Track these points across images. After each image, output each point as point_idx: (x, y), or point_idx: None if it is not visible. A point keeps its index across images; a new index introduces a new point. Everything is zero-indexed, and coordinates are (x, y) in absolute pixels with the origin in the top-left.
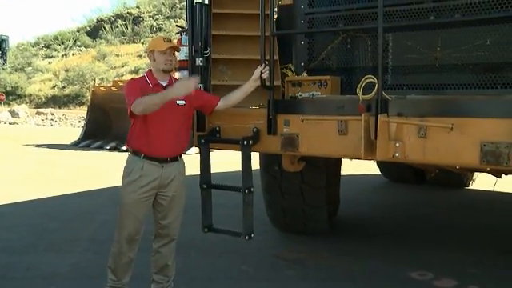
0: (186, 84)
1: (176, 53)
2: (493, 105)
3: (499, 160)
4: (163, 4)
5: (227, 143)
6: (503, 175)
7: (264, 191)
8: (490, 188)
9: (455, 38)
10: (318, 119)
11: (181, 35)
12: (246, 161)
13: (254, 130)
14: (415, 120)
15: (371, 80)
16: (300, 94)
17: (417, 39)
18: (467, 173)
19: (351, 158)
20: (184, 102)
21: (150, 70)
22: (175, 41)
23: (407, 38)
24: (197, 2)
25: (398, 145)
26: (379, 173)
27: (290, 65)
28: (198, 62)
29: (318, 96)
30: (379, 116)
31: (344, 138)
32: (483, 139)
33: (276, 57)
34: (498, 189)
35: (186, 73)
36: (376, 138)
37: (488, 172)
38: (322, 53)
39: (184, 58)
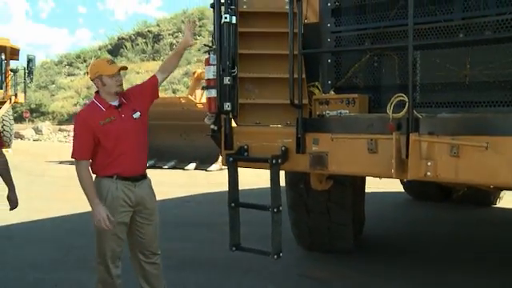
0: (100, 219)
1: (204, 71)
2: None
3: None
4: (183, 22)
5: (256, 162)
6: None
7: (289, 209)
8: None
9: (485, 55)
10: (349, 138)
11: (208, 54)
12: (274, 179)
13: (283, 148)
14: (447, 139)
15: (402, 98)
16: (327, 112)
17: (445, 56)
18: (495, 191)
19: (381, 177)
20: (139, 114)
21: (97, 92)
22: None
23: (436, 56)
24: (224, 22)
25: (429, 164)
26: (402, 190)
27: (316, 83)
28: (226, 80)
29: (346, 114)
30: (410, 135)
31: (374, 157)
32: None
33: (303, 75)
34: None
35: (213, 92)
36: (407, 156)
37: (507, 188)
38: (349, 71)
39: (212, 77)
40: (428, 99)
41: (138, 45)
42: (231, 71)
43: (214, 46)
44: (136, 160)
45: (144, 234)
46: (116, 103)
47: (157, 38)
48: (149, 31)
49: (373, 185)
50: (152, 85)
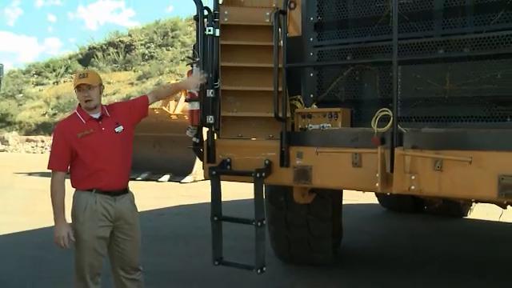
0: (59, 236)
1: None
2: (508, 138)
3: None
4: (155, 32)
5: (239, 175)
6: (509, 206)
7: (269, 223)
8: (489, 218)
9: (464, 71)
10: (334, 151)
11: (192, 67)
12: (258, 193)
13: (266, 162)
14: (431, 153)
15: (386, 113)
16: (310, 125)
17: (426, 72)
18: (467, 203)
19: (365, 191)
20: (122, 128)
21: (80, 104)
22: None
23: (417, 71)
24: (208, 34)
25: (413, 178)
26: (376, 201)
27: (298, 96)
28: (209, 93)
29: (329, 128)
30: (395, 149)
31: (358, 171)
32: (501, 172)
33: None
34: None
35: (196, 104)
36: (392, 170)
37: (494, 203)
38: (331, 85)
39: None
40: (408, 114)
41: (109, 55)
42: (214, 84)
43: (197, 59)
44: (117, 174)
45: (124, 249)
46: (97, 116)
47: (129, 48)
48: (120, 41)
49: (347, 196)
50: (142, 103)
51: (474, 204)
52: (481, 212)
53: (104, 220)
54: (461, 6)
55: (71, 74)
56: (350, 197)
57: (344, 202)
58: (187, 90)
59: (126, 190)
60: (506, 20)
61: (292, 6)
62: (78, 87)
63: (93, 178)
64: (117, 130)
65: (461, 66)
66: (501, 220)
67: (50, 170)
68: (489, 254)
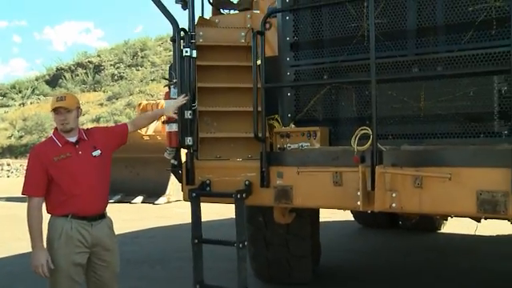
0: (37, 265)
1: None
2: (486, 154)
3: (496, 208)
4: (124, 53)
5: (219, 197)
6: (482, 219)
7: (248, 243)
8: (464, 231)
9: (438, 89)
10: (314, 171)
11: (169, 88)
12: (239, 214)
13: (247, 182)
14: (411, 170)
15: (365, 131)
16: (289, 145)
17: (402, 90)
18: (441, 217)
19: (347, 209)
20: (100, 152)
21: (56, 127)
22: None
23: (392, 89)
24: (185, 56)
25: (394, 195)
26: (351, 218)
27: (276, 116)
28: (187, 114)
29: (308, 147)
30: (376, 167)
31: (339, 189)
32: (479, 188)
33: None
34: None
35: (174, 126)
36: (373, 188)
37: (470, 217)
38: (309, 104)
39: None
40: (385, 131)
41: (77, 75)
42: (191, 105)
43: (174, 80)
44: (93, 199)
45: (102, 276)
46: (74, 139)
47: (98, 68)
48: (89, 62)
49: (323, 214)
50: (122, 130)
51: (448, 218)
52: (454, 226)
53: (80, 246)
54: (433, 26)
55: (38, 95)
56: (325, 214)
57: (320, 220)
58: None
59: (103, 215)
60: (476, 40)
61: (267, 26)
62: (55, 110)
63: (69, 203)
64: (94, 153)
65: (435, 84)
66: (476, 233)
67: (26, 196)
68: (466, 266)
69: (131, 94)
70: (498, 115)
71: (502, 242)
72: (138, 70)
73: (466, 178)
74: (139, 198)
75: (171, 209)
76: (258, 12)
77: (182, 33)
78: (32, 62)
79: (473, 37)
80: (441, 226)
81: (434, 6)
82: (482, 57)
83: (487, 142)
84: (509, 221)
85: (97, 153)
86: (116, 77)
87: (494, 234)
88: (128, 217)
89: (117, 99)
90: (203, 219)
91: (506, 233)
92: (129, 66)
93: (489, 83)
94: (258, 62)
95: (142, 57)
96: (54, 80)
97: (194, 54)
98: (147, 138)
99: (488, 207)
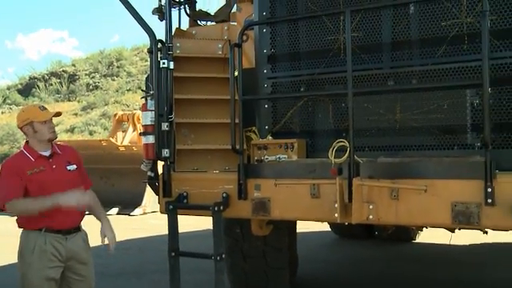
0: (79, 197)
1: (140, 118)
2: (460, 167)
3: (470, 220)
4: (100, 62)
5: (197, 209)
6: (457, 229)
7: (225, 255)
8: (439, 241)
9: (413, 102)
10: (292, 183)
11: (145, 100)
12: (217, 227)
13: (224, 195)
14: (387, 182)
15: (342, 144)
16: (266, 157)
17: (378, 102)
18: (418, 228)
19: (324, 221)
20: (75, 167)
21: (27, 141)
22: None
23: (369, 102)
24: (162, 67)
25: (371, 207)
26: (328, 229)
27: (253, 128)
28: (164, 126)
29: (286, 159)
30: (353, 179)
31: (317, 202)
32: (454, 200)
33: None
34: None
35: (151, 138)
36: (350, 200)
37: (443, 227)
38: (286, 116)
39: (150, 123)
40: (362, 143)
41: (51, 85)
42: (168, 117)
43: (151, 92)
44: (69, 212)
45: None
46: (47, 153)
47: (72, 78)
48: (63, 71)
49: (300, 225)
50: (86, 176)
51: (423, 228)
52: (429, 235)
53: (54, 260)
54: (407, 40)
55: (10, 104)
56: (302, 225)
57: (297, 231)
58: (142, 123)
59: (78, 228)
60: (449, 54)
61: (245, 38)
62: (45, 120)
63: (43, 217)
64: (69, 168)
65: (410, 97)
66: (450, 243)
67: (5, 208)
68: (441, 276)
69: (106, 104)
70: (470, 128)
71: (476, 251)
72: (114, 80)
73: (440, 189)
74: (114, 210)
75: (147, 220)
76: (235, 24)
77: (159, 44)
78: (4, 70)
79: (446, 51)
80: (416, 235)
81: (409, 21)
82: (454, 71)
83: (461, 154)
84: (481, 231)
85: (72, 167)
86: (91, 86)
87: (468, 244)
88: None
89: (92, 109)
90: (180, 230)
91: (479, 242)
92: (104, 75)
93: (462, 96)
94: (236, 74)
95: (117, 66)
96: (26, 89)
97: (172, 65)
98: (123, 148)
99: (462, 218)
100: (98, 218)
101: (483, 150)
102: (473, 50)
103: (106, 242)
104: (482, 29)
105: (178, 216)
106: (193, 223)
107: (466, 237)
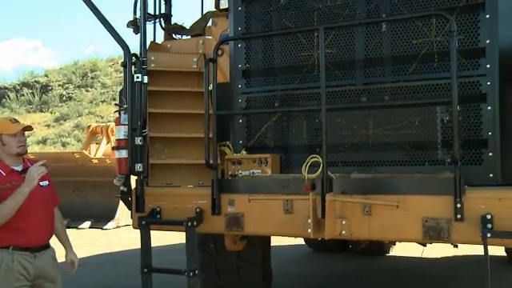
0: (35, 172)
1: (114, 132)
2: (430, 183)
3: (440, 235)
4: (74, 73)
5: (170, 224)
6: (428, 244)
7: (198, 270)
8: (411, 254)
9: (386, 117)
10: (265, 199)
11: (119, 114)
12: (190, 243)
13: (197, 210)
14: (360, 198)
15: (316, 159)
16: (240, 172)
17: (351, 118)
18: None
19: (298, 237)
20: (47, 183)
21: None
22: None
23: (342, 117)
24: (136, 81)
25: (344, 222)
26: (302, 242)
27: (227, 142)
28: (137, 141)
29: (260, 174)
30: (326, 195)
31: (290, 217)
32: (424, 215)
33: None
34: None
35: (124, 152)
36: (323, 216)
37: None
38: (260, 131)
39: (123, 137)
40: (335, 158)
41: (23, 95)
42: (142, 131)
43: (125, 106)
44: (39, 229)
45: None
46: (19, 168)
47: (45, 88)
48: (36, 81)
49: (274, 238)
50: (54, 193)
51: (396, 242)
52: (402, 249)
53: (21, 279)
54: (380, 57)
55: None
56: (276, 238)
57: (271, 244)
58: (115, 137)
59: (47, 246)
60: (420, 72)
61: (220, 53)
62: (15, 133)
63: (11, 235)
64: (42, 183)
65: (382, 113)
66: (422, 256)
67: None
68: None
69: (80, 116)
70: (441, 144)
71: (447, 264)
72: (88, 91)
73: (412, 205)
74: (87, 223)
75: (120, 234)
76: (211, 38)
77: (134, 58)
78: None
79: (417, 69)
80: (389, 249)
81: (381, 38)
82: (425, 88)
83: (432, 170)
84: (452, 244)
85: (45, 183)
86: (64, 97)
87: (440, 257)
88: (74, 243)
89: (65, 120)
90: (155, 243)
91: (451, 255)
92: (78, 86)
93: (432, 113)
94: (210, 88)
95: (92, 78)
96: None
97: (146, 79)
98: (96, 161)
99: (433, 234)
100: (62, 242)
101: (453, 165)
102: (442, 68)
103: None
104: (451, 48)
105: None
106: (169, 236)
107: (438, 250)
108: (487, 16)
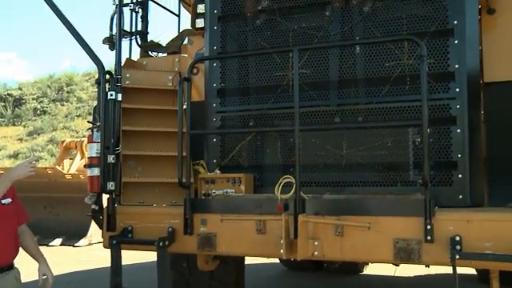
0: (25, 165)
1: (87, 150)
2: (402, 204)
3: (411, 256)
4: (49, 87)
5: (141, 244)
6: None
7: None
8: (385, 273)
9: (359, 138)
10: (238, 219)
11: (92, 131)
12: (161, 263)
13: (170, 229)
14: (332, 219)
15: (289, 180)
16: (214, 191)
17: (325, 138)
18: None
19: (270, 257)
20: (10, 200)
21: None
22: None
23: (316, 137)
24: (110, 99)
25: (316, 243)
26: (277, 260)
27: (201, 161)
28: (110, 159)
29: (233, 194)
30: (299, 216)
31: (263, 237)
32: (396, 236)
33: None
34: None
35: (96, 170)
36: (296, 237)
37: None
38: (234, 150)
39: (95, 155)
40: (309, 178)
41: None
42: (115, 149)
43: (98, 123)
44: (3, 250)
45: None
46: None
47: (18, 102)
48: (9, 94)
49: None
50: (22, 210)
51: None
52: (376, 267)
53: None
54: (354, 79)
55: None
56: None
57: (246, 262)
58: (87, 155)
59: (10, 266)
60: (392, 93)
61: (195, 71)
62: None
63: None
64: (4, 201)
65: (356, 134)
66: (395, 275)
67: None
68: None
69: (54, 130)
70: (412, 165)
71: (420, 282)
72: (63, 105)
73: (383, 226)
74: (58, 241)
75: (92, 251)
76: (187, 56)
77: (108, 75)
78: None
79: (390, 90)
80: (363, 268)
81: (355, 60)
82: (398, 109)
83: (404, 191)
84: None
85: (7, 201)
86: (39, 111)
87: (412, 275)
88: None
89: (38, 134)
90: (128, 261)
91: (423, 273)
92: (53, 100)
93: (404, 134)
94: (185, 107)
95: (67, 92)
96: None
97: (119, 97)
98: (69, 177)
99: (403, 255)
100: (35, 257)
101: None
102: (414, 90)
103: (44, 279)
104: (421, 72)
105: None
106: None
107: (410, 268)
108: (456, 41)
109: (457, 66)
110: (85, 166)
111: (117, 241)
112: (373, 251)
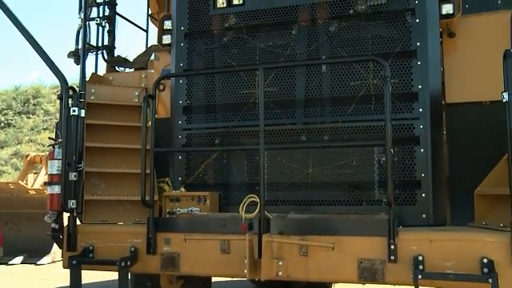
0: None
1: (48, 166)
2: (365, 224)
3: (375, 276)
4: (14, 99)
5: (102, 264)
6: None
7: None
8: None
9: (325, 157)
10: (202, 238)
11: (53, 148)
12: (123, 284)
13: (132, 249)
14: (297, 239)
15: (253, 199)
16: (178, 209)
17: (291, 157)
18: None
19: (234, 277)
20: None
21: None
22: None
23: (282, 156)
24: (73, 115)
25: (281, 263)
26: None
27: (166, 179)
28: (72, 176)
29: (198, 213)
30: (263, 235)
31: (227, 257)
32: (360, 256)
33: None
34: None
35: (57, 188)
36: (260, 257)
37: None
38: (200, 168)
39: (56, 173)
40: (274, 197)
41: None
42: (77, 166)
43: (59, 140)
44: None
45: None
46: None
47: None
48: None
49: None
50: None
51: None
52: (343, 285)
53: None
54: (320, 98)
55: None
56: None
57: (213, 280)
58: (48, 172)
59: None
60: (358, 113)
61: (162, 88)
62: None
63: None
64: None
65: (322, 152)
66: None
67: None
68: None
69: (19, 143)
70: (378, 184)
71: None
72: (29, 118)
73: (348, 246)
74: (18, 259)
75: (55, 269)
76: (153, 72)
77: (71, 91)
78: None
79: (355, 110)
80: (331, 285)
81: (321, 79)
82: (363, 128)
83: (369, 210)
84: None
85: None
86: (3, 124)
87: None
88: (3, 280)
89: (2, 148)
90: (92, 279)
91: None
92: (19, 113)
93: (370, 153)
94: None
95: (34, 104)
96: None
97: (83, 113)
98: (33, 192)
99: (368, 275)
100: None
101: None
102: (379, 110)
103: None
104: (385, 92)
105: None
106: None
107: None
108: (419, 63)
109: (420, 87)
110: (45, 183)
111: (77, 261)
112: (337, 271)
